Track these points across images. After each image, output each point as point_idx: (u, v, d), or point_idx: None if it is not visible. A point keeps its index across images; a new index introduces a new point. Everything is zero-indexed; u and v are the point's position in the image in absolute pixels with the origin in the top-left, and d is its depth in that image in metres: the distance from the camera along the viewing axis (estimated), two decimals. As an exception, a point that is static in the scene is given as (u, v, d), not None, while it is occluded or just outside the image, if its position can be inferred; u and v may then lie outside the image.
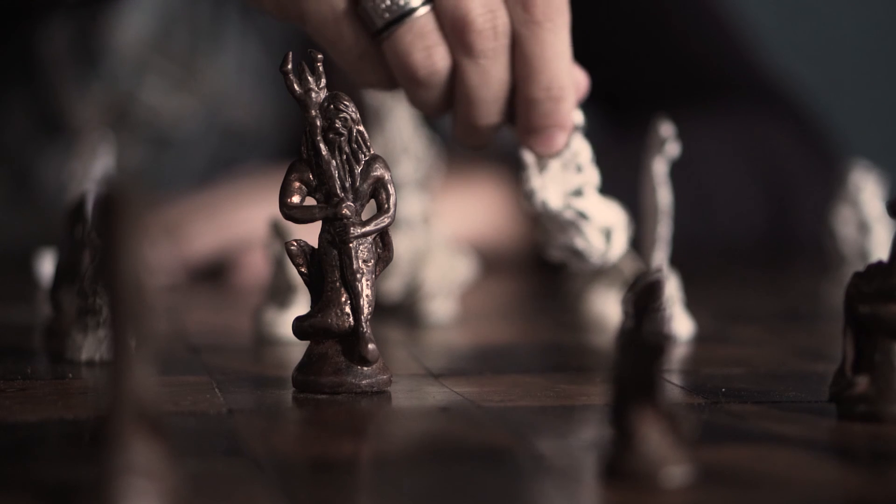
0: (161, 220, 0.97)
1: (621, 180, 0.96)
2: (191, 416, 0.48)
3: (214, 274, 0.95)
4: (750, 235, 1.20)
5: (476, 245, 0.96)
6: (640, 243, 0.68)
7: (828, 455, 0.45)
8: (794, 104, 1.28)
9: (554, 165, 0.61)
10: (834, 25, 1.93)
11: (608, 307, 0.74)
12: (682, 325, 0.69)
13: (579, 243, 0.61)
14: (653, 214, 0.67)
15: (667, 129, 0.66)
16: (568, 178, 0.61)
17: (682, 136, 0.67)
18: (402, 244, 0.77)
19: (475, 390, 0.54)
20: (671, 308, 0.68)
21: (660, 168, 0.67)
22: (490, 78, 0.59)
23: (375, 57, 0.59)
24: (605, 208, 0.62)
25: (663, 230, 0.67)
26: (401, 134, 0.78)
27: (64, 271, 0.62)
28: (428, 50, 0.58)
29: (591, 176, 0.61)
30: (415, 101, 0.61)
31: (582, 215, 0.61)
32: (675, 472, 0.40)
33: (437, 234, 0.78)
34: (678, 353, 0.65)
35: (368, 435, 0.48)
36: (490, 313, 0.84)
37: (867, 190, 0.96)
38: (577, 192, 0.61)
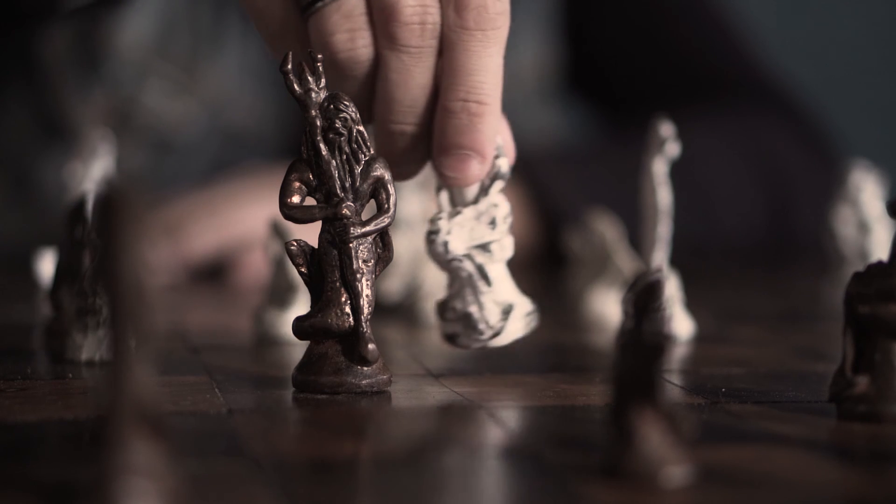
0: (161, 219, 0.97)
1: (621, 180, 0.96)
2: (191, 416, 0.48)
3: (214, 274, 0.95)
4: (750, 235, 1.21)
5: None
6: (640, 243, 0.68)
7: (828, 455, 0.45)
8: (794, 104, 1.28)
9: (467, 213, 0.55)
10: (834, 25, 1.93)
11: (608, 307, 0.74)
12: (682, 325, 0.69)
13: (473, 309, 0.55)
14: (653, 214, 0.67)
15: (667, 129, 0.66)
16: (479, 230, 0.56)
17: (682, 136, 0.67)
18: (402, 244, 0.77)
19: (475, 390, 0.54)
20: (671, 308, 0.68)
21: (660, 168, 0.67)
22: (410, 78, 0.55)
23: (298, 33, 0.57)
24: (510, 285, 0.56)
25: (663, 230, 0.67)
26: (401, 134, 0.78)
27: (64, 271, 0.62)
28: (352, 33, 0.55)
29: (505, 241, 0.56)
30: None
31: (484, 276, 0.55)
32: (675, 472, 0.40)
33: (437, 234, 0.78)
34: (678, 353, 0.65)
35: (368, 435, 0.48)
36: (490, 313, 0.84)
37: (867, 190, 0.96)
38: (485, 248, 0.56)
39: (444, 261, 0.55)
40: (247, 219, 0.94)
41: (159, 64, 1.16)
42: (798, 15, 1.91)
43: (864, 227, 0.95)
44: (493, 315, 0.55)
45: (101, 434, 0.35)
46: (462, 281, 0.55)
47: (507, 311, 0.55)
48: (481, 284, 0.55)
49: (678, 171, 0.70)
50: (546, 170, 1.11)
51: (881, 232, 0.95)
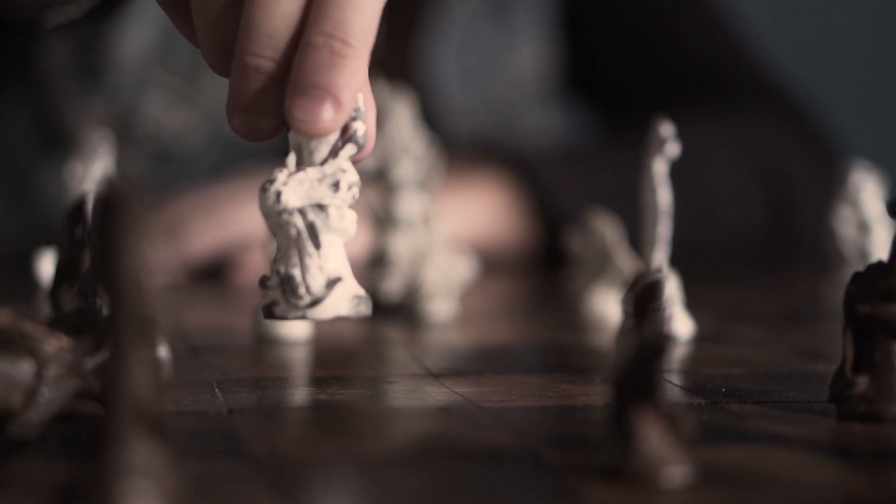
0: (161, 219, 0.97)
1: (621, 180, 0.96)
2: (191, 416, 0.48)
3: (214, 274, 0.95)
4: (750, 235, 1.21)
5: (476, 245, 0.96)
6: (640, 243, 0.68)
7: (828, 455, 0.45)
8: (794, 104, 1.28)
9: (310, 172, 0.50)
10: (834, 25, 1.93)
11: (608, 307, 0.74)
12: (682, 325, 0.69)
13: (295, 272, 0.50)
14: (653, 214, 0.67)
15: (667, 129, 0.66)
16: (319, 191, 0.50)
17: (682, 136, 0.67)
18: (402, 244, 0.78)
19: (475, 390, 0.54)
20: (671, 308, 0.68)
21: (660, 168, 0.67)
22: (275, 4, 0.49)
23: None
24: (345, 265, 0.51)
25: (663, 230, 0.67)
26: (401, 134, 0.78)
27: (64, 271, 0.62)
28: None
29: (346, 211, 0.51)
30: (198, 11, 0.52)
31: (314, 237, 0.50)
32: (675, 472, 0.40)
33: (437, 234, 0.78)
34: (678, 353, 0.65)
35: (368, 435, 0.48)
36: (490, 313, 0.84)
37: (867, 190, 0.96)
38: (321, 209, 0.50)
39: (274, 213, 0.50)
40: (247, 219, 0.94)
41: (160, 73, 1.16)
42: (798, 14, 1.91)
43: (864, 227, 0.95)
44: (315, 282, 0.50)
45: (101, 434, 0.35)
46: (289, 241, 0.50)
47: (332, 283, 0.50)
48: (309, 245, 0.50)
49: (678, 171, 0.70)
50: (546, 170, 1.11)
51: (881, 232, 0.95)
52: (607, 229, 0.76)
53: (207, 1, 0.50)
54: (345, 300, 0.50)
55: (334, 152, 0.50)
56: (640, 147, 0.68)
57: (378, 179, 0.78)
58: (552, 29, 1.30)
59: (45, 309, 0.66)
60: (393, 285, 0.77)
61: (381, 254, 0.78)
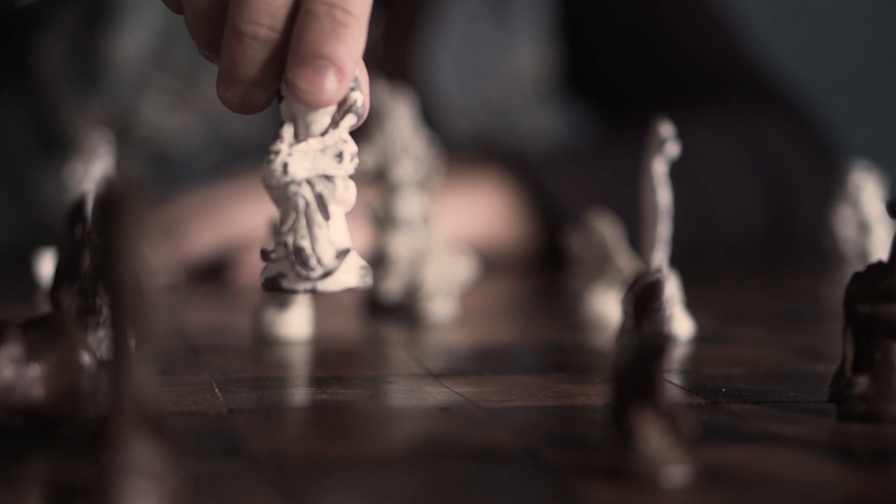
0: (160, 219, 0.97)
1: (621, 181, 0.96)
2: (191, 416, 0.48)
3: (214, 274, 0.95)
4: (750, 235, 1.21)
5: (476, 245, 0.96)
6: (640, 243, 0.68)
7: (828, 455, 0.45)
8: (794, 104, 1.28)
9: (312, 143, 0.50)
10: (834, 25, 1.93)
11: (608, 307, 0.74)
12: (682, 325, 0.69)
13: (305, 244, 0.49)
14: (653, 214, 0.67)
15: (667, 129, 0.66)
16: (323, 162, 0.50)
17: (682, 136, 0.67)
18: (402, 244, 0.78)
19: (475, 390, 0.54)
20: (671, 308, 0.68)
21: (660, 168, 0.67)
22: None
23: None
24: (347, 235, 0.50)
25: (663, 230, 0.67)
26: (401, 134, 0.78)
27: (64, 271, 0.62)
28: None
29: (350, 183, 0.50)
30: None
31: (324, 207, 0.49)
32: (675, 472, 0.40)
33: (437, 234, 0.78)
34: (678, 353, 0.65)
35: (368, 435, 0.48)
36: (490, 313, 0.84)
37: (867, 190, 0.96)
38: (328, 179, 0.50)
39: (281, 184, 0.49)
40: (246, 218, 0.94)
41: (158, 76, 1.16)
42: (798, 15, 1.91)
43: (864, 227, 0.95)
44: (326, 253, 0.49)
45: (101, 434, 0.35)
46: (297, 212, 0.49)
47: (342, 254, 0.49)
48: (318, 216, 0.49)
49: (678, 171, 0.70)
50: (546, 170, 1.11)
51: (881, 232, 0.95)
52: (607, 229, 0.76)
53: None
54: (353, 271, 0.49)
55: (335, 123, 0.50)
56: (639, 147, 0.68)
57: (378, 179, 0.78)
58: (551, 29, 1.30)
59: (45, 309, 0.66)
60: (393, 285, 0.77)
61: (381, 254, 0.78)
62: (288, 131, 0.50)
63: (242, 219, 0.95)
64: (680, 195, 0.74)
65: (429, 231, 0.78)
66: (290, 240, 0.49)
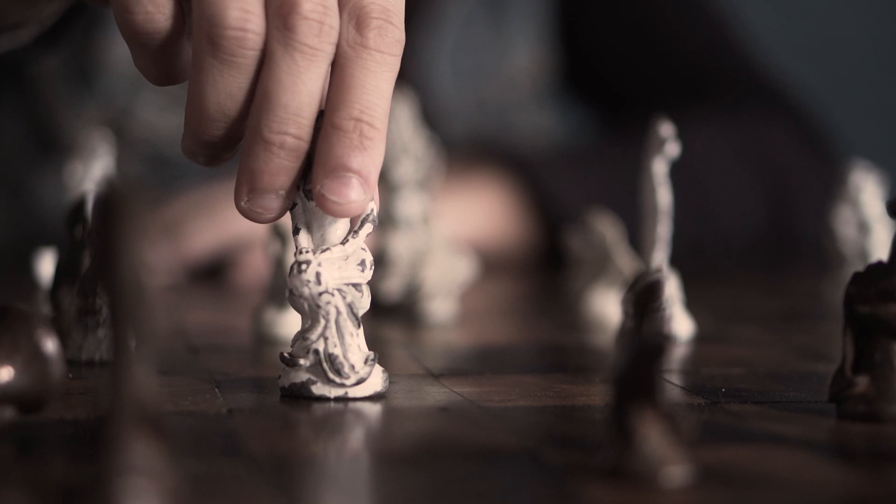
0: (160, 219, 0.97)
1: (621, 181, 0.96)
2: (191, 416, 0.48)
3: (214, 274, 0.95)
4: (750, 235, 1.21)
5: (476, 245, 0.96)
6: (640, 243, 0.68)
7: (828, 455, 0.45)
8: (793, 104, 1.28)
9: (335, 252, 0.51)
10: (834, 25, 1.93)
11: (608, 307, 0.74)
12: (682, 325, 0.69)
13: (337, 352, 0.51)
14: (653, 214, 0.67)
15: (667, 129, 0.66)
16: (348, 271, 0.51)
17: (682, 136, 0.67)
18: (402, 244, 0.78)
19: (475, 390, 0.54)
20: (671, 308, 0.68)
21: (660, 168, 0.67)
22: (300, 82, 0.50)
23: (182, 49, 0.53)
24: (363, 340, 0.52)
25: (663, 230, 0.67)
26: (401, 134, 0.78)
27: (64, 271, 0.62)
28: (245, 12, 0.50)
29: (367, 289, 0.52)
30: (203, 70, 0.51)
31: (355, 316, 0.51)
32: (675, 472, 0.40)
33: (437, 234, 0.78)
34: (678, 353, 0.65)
35: (368, 435, 0.48)
36: (490, 313, 0.84)
37: (867, 190, 0.96)
38: (357, 287, 0.51)
39: (315, 294, 0.51)
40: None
41: None
42: (798, 15, 1.91)
43: (864, 227, 0.95)
44: (358, 360, 0.51)
45: (101, 434, 0.35)
46: (328, 320, 0.51)
47: (369, 360, 0.51)
48: (350, 325, 0.51)
49: (678, 171, 0.70)
50: (546, 170, 1.11)
51: (881, 232, 0.95)
52: (607, 229, 0.76)
53: (228, 71, 0.50)
54: (378, 375, 0.52)
55: (353, 232, 0.51)
56: (639, 147, 0.68)
57: (378, 179, 0.78)
58: (547, 30, 1.30)
59: (45, 309, 0.66)
60: (393, 285, 0.77)
61: (381, 254, 0.78)
62: (305, 239, 0.51)
63: (243, 219, 0.95)
64: (680, 195, 0.74)
65: (429, 231, 0.78)
66: (320, 347, 0.51)
